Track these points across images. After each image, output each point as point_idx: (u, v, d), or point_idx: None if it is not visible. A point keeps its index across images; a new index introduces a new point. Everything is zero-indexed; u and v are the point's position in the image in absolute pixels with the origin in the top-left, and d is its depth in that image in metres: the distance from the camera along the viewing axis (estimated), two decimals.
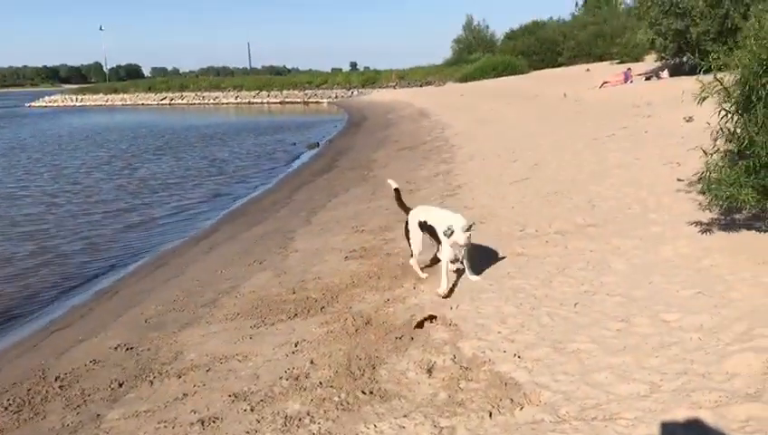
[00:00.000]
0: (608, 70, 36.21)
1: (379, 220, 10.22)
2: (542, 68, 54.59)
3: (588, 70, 41.29)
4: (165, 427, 4.63)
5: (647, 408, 3.83)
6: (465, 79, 57.93)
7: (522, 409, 4.06)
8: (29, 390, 5.71)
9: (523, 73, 53.88)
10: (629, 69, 29.99)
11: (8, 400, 5.55)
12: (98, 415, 5.02)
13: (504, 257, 7.25)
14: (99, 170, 21.69)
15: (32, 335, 7.68)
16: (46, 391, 5.61)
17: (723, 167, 6.03)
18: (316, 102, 69.89)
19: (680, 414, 3.68)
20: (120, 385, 5.53)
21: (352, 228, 10.03)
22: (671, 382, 4.06)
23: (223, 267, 9.17)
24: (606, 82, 28.59)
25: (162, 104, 79.59)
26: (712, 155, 6.25)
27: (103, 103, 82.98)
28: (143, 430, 4.63)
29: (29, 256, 10.99)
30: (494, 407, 4.13)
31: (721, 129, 6.19)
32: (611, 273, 6.16)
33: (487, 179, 12.30)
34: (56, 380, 5.83)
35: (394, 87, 68.80)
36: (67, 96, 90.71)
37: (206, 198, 16.11)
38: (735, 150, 6.11)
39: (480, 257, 7.20)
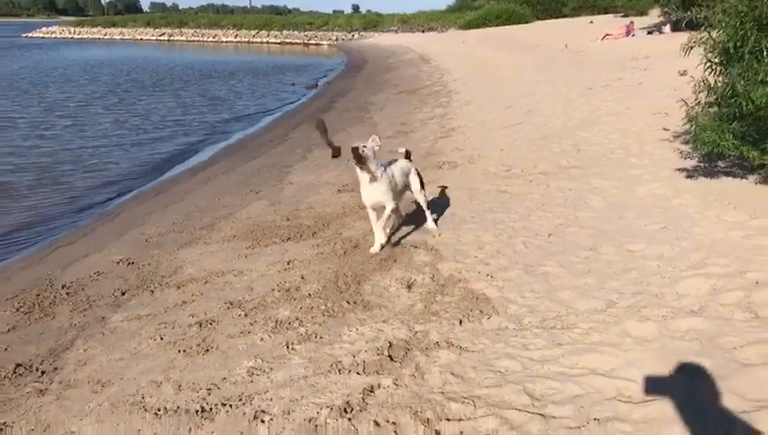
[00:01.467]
0: (611, 23, 35.97)
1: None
2: (545, 18, 54.04)
3: (591, 22, 40.96)
4: (165, 327, 5.05)
5: (601, 320, 4.26)
6: (468, 26, 57.36)
7: (489, 318, 4.50)
8: (38, 295, 6.12)
9: (526, 23, 53.36)
10: (632, 22, 29.89)
11: (19, 302, 5.96)
12: (102, 317, 5.44)
13: (488, 194, 7.61)
14: (97, 104, 21.77)
15: (37, 251, 8.08)
16: (54, 297, 6.02)
17: (708, 114, 6.34)
18: (316, 44, 69.19)
19: (630, 325, 4.11)
20: (123, 293, 5.94)
21: (346, 165, 10.34)
22: (626, 300, 4.49)
23: (220, 196, 9.53)
24: (608, 35, 28.55)
25: (161, 40, 78.68)
26: (693, 107, 6.54)
27: (101, 37, 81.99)
28: (145, 331, 5.05)
29: (30, 184, 11.29)
30: (464, 316, 4.56)
31: (704, 80, 6.46)
32: (587, 209, 6.55)
33: (481, 124, 12.59)
34: (63, 287, 6.24)
35: (396, 32, 68.05)
36: (65, 28, 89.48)
37: (203, 133, 16.35)
38: (716, 101, 6.41)
39: (466, 194, 7.58)
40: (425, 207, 6.51)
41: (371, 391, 3.75)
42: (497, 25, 53.30)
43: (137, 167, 12.69)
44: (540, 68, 20.70)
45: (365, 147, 5.74)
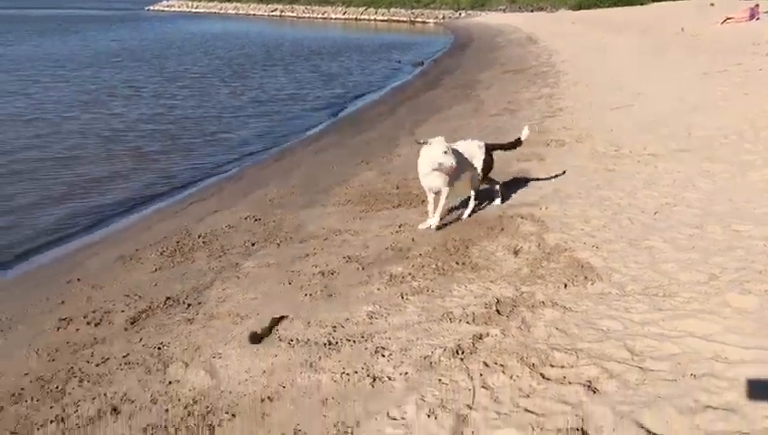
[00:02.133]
0: (734, 5, 34.07)
1: (479, 136, 10.81)
2: (662, 0, 51.71)
3: (712, 4, 38.86)
4: (291, 274, 5.63)
5: (702, 291, 4.46)
6: (578, 6, 55.83)
7: (593, 284, 4.78)
8: (177, 242, 6.88)
9: (642, 4, 51.28)
10: (757, 5, 28.23)
11: (162, 248, 6.73)
12: (236, 263, 6.09)
13: (595, 172, 7.78)
14: (213, 76, 22.93)
15: (172, 205, 8.96)
16: (192, 244, 6.76)
17: None
18: (422, 22, 69.25)
19: (730, 297, 4.29)
20: (252, 244, 6.59)
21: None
22: (729, 275, 4.66)
23: (333, 165, 10.13)
24: (729, 18, 27.15)
25: (272, 16, 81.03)
26: None
27: (216, 11, 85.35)
28: (274, 276, 5.65)
29: (159, 148, 12.29)
30: (569, 281, 4.87)
31: None
32: (695, 190, 6.63)
33: (589, 105, 12.58)
34: (199, 237, 6.98)
35: (504, 11, 67.04)
36: (183, 2, 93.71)
37: (316, 107, 17.07)
38: None
39: (572, 171, 7.79)
40: (472, 192, 6.75)
41: (480, 338, 4.15)
42: (610, 6, 51.52)
43: (255, 136, 13.53)
44: (652, 51, 20.14)
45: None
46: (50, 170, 10.36)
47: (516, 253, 5.54)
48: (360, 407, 3.57)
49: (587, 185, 7.27)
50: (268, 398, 3.77)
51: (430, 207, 6.45)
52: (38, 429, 3.73)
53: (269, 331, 4.53)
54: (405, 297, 4.90)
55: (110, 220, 8.33)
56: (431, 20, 68.83)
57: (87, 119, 14.48)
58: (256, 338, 4.44)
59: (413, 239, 6.18)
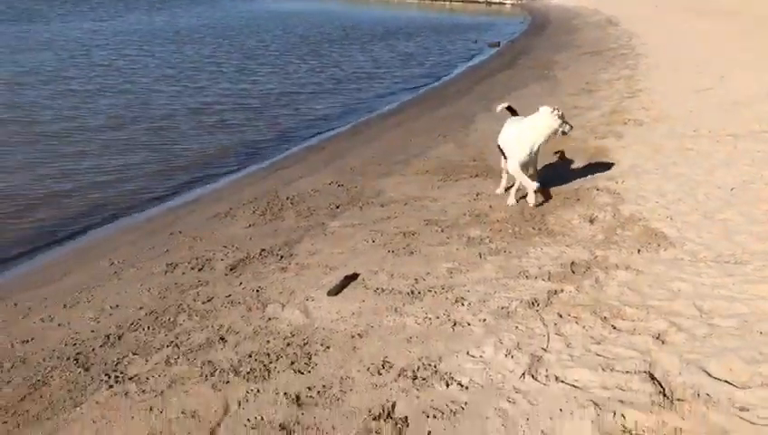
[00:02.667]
0: None
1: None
2: None
3: None
4: (375, 234, 6.02)
5: None
6: None
7: (666, 250, 4.98)
8: (268, 202, 7.37)
9: None
10: None
11: (254, 207, 7.24)
12: (323, 223, 6.53)
13: (672, 151, 7.85)
14: (292, 54, 23.44)
15: (260, 171, 9.50)
16: (281, 205, 7.24)
17: None
18: (500, 3, 68.34)
19: None
20: (337, 207, 7.02)
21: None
22: None
23: (411, 138, 10.46)
24: None
25: None
26: None
27: None
28: (359, 235, 6.05)
29: (243, 120, 12.85)
30: (642, 247, 5.08)
31: None
32: None
33: (670, 86, 12.46)
34: (287, 199, 7.45)
35: None
36: None
37: (393, 84, 17.40)
38: None
39: (650, 149, 7.89)
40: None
41: (555, 294, 4.43)
42: None
43: (334, 110, 13.99)
44: (740, 35, 19.52)
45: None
46: (147, 138, 11.07)
47: (592, 221, 5.76)
48: (441, 345, 3.93)
49: (664, 162, 7.37)
50: (358, 335, 4.17)
51: (526, 182, 6.40)
52: (156, 351, 4.23)
53: (342, 287, 4.89)
54: (483, 257, 5.22)
55: (204, 183, 8.91)
56: (508, 1, 67.87)
57: (174, 92, 15.23)
58: (333, 291, 4.83)
59: (490, 206, 6.47)
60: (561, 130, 5.96)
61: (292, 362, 3.88)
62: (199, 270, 5.55)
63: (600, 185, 6.72)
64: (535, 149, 6.07)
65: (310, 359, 3.92)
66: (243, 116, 13.01)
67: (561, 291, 4.45)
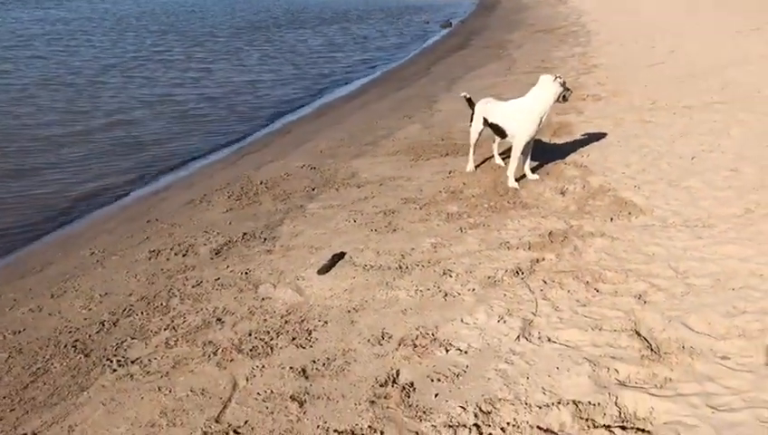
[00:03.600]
0: None
1: (515, 91, 11.17)
2: None
3: None
4: (355, 214, 6.14)
5: (738, 223, 4.91)
6: None
7: (637, 218, 5.24)
8: (242, 187, 7.41)
9: None
10: None
11: (228, 192, 7.28)
12: (301, 205, 6.62)
13: (632, 123, 8.17)
14: (242, 39, 23.22)
15: (228, 156, 9.50)
16: (256, 189, 7.29)
17: None
18: None
19: (765, 227, 4.74)
20: (313, 189, 7.11)
21: (493, 95, 11.07)
22: (764, 209, 5.09)
23: (377, 119, 10.58)
24: None
25: None
26: None
27: None
28: (339, 215, 6.17)
29: (203, 108, 12.78)
30: (614, 215, 5.33)
31: None
32: (730, 138, 7.02)
33: (623, 62, 12.85)
34: (261, 183, 7.50)
35: None
36: None
37: (349, 67, 17.44)
38: None
39: (610, 123, 8.18)
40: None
41: (537, 262, 4.65)
42: None
43: (295, 94, 13.98)
44: (685, 10, 20.15)
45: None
46: (105, 131, 10.89)
47: (563, 193, 6.00)
48: (436, 315, 4.10)
49: (625, 135, 7.67)
50: (354, 309, 4.31)
51: (525, 164, 6.58)
52: (153, 335, 4.30)
53: (331, 265, 5.02)
54: (464, 231, 5.40)
55: (173, 172, 8.88)
56: None
57: (122, 83, 14.95)
58: (323, 270, 4.95)
59: (464, 183, 6.65)
60: (563, 96, 6.08)
61: (293, 338, 4.00)
62: (183, 255, 5.59)
63: (567, 159, 6.97)
64: (544, 120, 6.20)
65: (310, 334, 4.05)
66: (201, 105, 12.92)
67: (543, 259, 4.66)
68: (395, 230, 5.60)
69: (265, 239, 5.74)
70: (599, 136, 7.67)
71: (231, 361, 3.85)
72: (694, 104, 8.67)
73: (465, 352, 3.63)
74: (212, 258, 5.45)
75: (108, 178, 8.50)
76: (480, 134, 6.79)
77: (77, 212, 7.45)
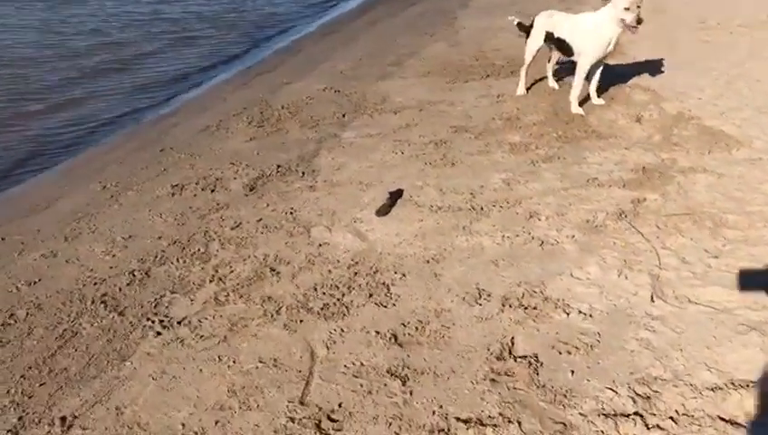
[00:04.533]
0: None
1: (539, 6, 10.26)
2: None
3: None
4: (400, 144, 5.42)
5: None
6: None
7: (737, 150, 4.59)
8: (261, 112, 6.61)
9: None
10: None
11: (247, 117, 6.48)
12: (335, 134, 5.86)
13: (689, 45, 7.41)
14: None
15: (238, 77, 8.60)
16: (278, 115, 6.49)
17: None
18: None
19: None
20: (343, 115, 6.33)
21: (517, 12, 10.16)
22: None
23: (395, 37, 9.68)
24: None
25: None
26: None
27: None
28: (383, 146, 5.44)
29: (202, 28, 11.65)
30: (710, 147, 4.67)
31: None
32: None
33: None
34: (282, 108, 6.70)
35: None
36: None
37: None
38: None
39: (664, 44, 7.41)
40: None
41: (640, 202, 4.00)
42: None
43: (295, 10, 12.88)
44: None
45: None
46: (91, 54, 9.83)
47: (639, 121, 5.33)
48: (536, 268, 3.47)
49: (685, 57, 6.95)
50: (433, 259, 3.66)
51: (592, 88, 5.86)
52: (197, 288, 3.63)
53: (390, 205, 4.34)
54: (536, 164, 4.73)
55: (179, 96, 8.00)
56: None
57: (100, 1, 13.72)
58: (382, 211, 4.27)
59: (518, 108, 5.93)
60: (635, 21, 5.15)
61: (370, 295, 3.36)
62: (212, 191, 4.87)
63: (630, 82, 6.26)
64: (614, 43, 5.38)
65: (388, 290, 3.40)
66: (195, 23, 11.79)
67: (644, 199, 4.03)
68: (453, 164, 4.90)
69: (303, 173, 5.01)
70: (656, 57, 6.92)
71: (300, 322, 3.20)
72: (749, 23, 7.90)
73: (590, 316, 3.02)
74: (246, 195, 4.74)
75: (104, 103, 7.62)
76: (538, 52, 5.99)
77: (77, 140, 6.60)
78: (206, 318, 3.34)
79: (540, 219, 3.91)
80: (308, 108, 6.63)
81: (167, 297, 3.56)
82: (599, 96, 5.83)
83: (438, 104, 6.33)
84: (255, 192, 4.78)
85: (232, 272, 3.74)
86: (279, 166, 5.18)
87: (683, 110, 5.37)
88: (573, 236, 3.68)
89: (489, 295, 3.25)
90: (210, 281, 3.67)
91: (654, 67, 6.63)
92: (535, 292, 3.24)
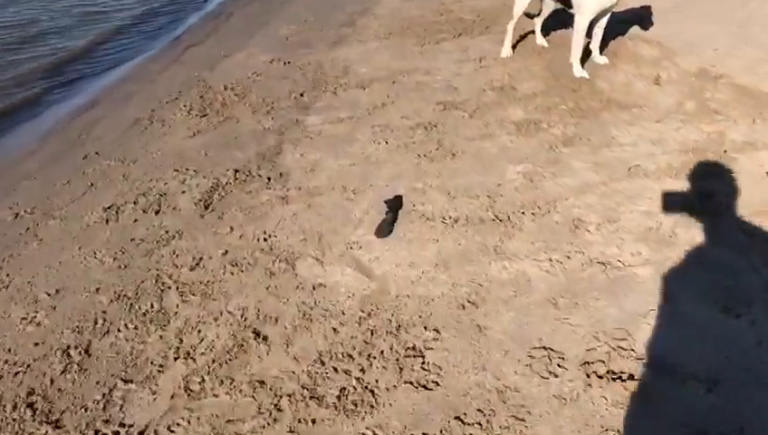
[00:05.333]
0: None
1: None
2: None
3: None
4: (380, 129, 4.51)
5: None
6: None
7: None
8: (201, 96, 5.53)
9: None
10: None
11: (185, 104, 5.39)
12: (296, 120, 4.87)
13: None
14: None
15: (166, 51, 7.37)
16: (222, 99, 5.43)
17: None
18: None
19: None
20: (301, 95, 5.33)
21: None
22: None
23: None
24: None
25: None
26: None
27: None
28: (360, 134, 4.50)
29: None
30: (758, 113, 3.91)
31: None
32: None
33: None
34: (226, 89, 5.62)
35: None
36: None
37: None
38: None
39: None
40: None
41: (708, 198, 3.20)
42: None
43: None
44: None
45: None
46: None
47: (658, 83, 4.52)
48: (611, 308, 2.64)
49: (677, 1, 6.14)
50: (469, 302, 2.78)
51: (594, 42, 5.01)
52: (159, 370, 2.67)
53: (393, 220, 3.43)
54: (556, 149, 3.88)
55: (94, 78, 6.73)
56: None
57: None
58: (384, 230, 3.35)
59: (508, 75, 5.04)
60: None
61: (400, 369, 2.47)
62: (156, 213, 3.84)
63: (629, 33, 5.44)
64: None
65: (423, 358, 2.53)
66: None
67: (712, 193, 3.27)
68: (454, 154, 4.00)
69: (270, 179, 4.03)
70: (647, 2, 6.09)
71: (313, 422, 2.31)
72: None
73: (712, 388, 2.19)
74: (202, 215, 3.73)
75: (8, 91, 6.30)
76: (527, 5, 5.07)
77: None
78: (179, 424, 2.38)
79: (588, 230, 3.08)
80: (257, 87, 5.57)
81: (118, 391, 2.58)
82: (600, 53, 4.98)
83: (413, 74, 5.37)
84: (213, 210, 3.78)
85: (202, 341, 2.78)
86: (236, 170, 4.18)
87: (704, 65, 4.59)
88: (641, 254, 2.86)
89: (562, 358, 2.41)
90: (175, 358, 2.70)
91: (650, 13, 5.81)
92: (623, 348, 2.41)
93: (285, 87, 5.48)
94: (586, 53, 4.98)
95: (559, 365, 2.38)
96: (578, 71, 4.76)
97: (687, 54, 4.86)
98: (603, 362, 2.37)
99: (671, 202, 3.13)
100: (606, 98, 4.40)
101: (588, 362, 2.38)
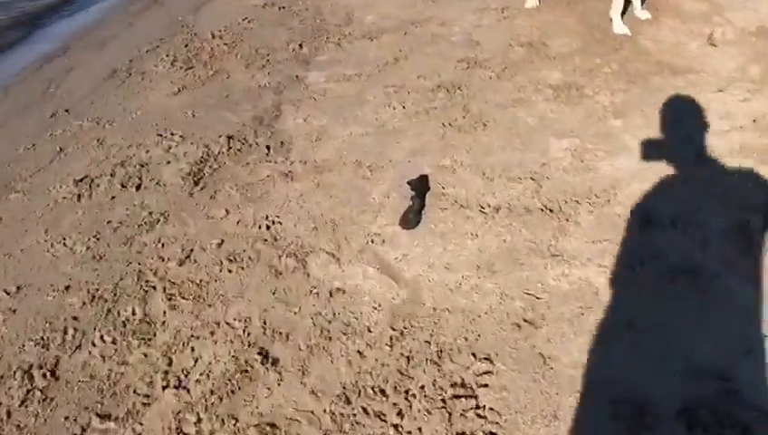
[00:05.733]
0: None
1: None
2: None
3: None
4: (394, 90, 3.91)
5: None
6: None
7: None
8: (186, 45, 4.88)
9: None
10: None
11: (167, 53, 4.76)
12: (296, 76, 4.26)
13: None
14: None
15: None
16: (211, 49, 4.78)
17: None
18: None
19: None
20: (300, 46, 4.70)
21: None
22: None
23: None
24: None
25: None
26: None
27: None
28: (371, 95, 3.92)
29: None
30: None
31: None
32: None
33: None
34: (214, 37, 4.97)
35: None
36: None
37: None
38: None
39: None
40: None
41: None
42: None
43: None
44: None
45: None
46: None
47: (712, 43, 3.93)
48: (706, 337, 2.15)
49: None
50: (526, 321, 2.27)
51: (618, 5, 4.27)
52: (144, 402, 2.16)
53: (420, 208, 2.87)
54: (603, 120, 3.32)
55: (61, 20, 5.98)
56: None
57: None
58: (412, 221, 2.79)
59: (537, 29, 4.43)
60: None
61: (449, 415, 1.95)
62: (137, 189, 3.25)
63: None
64: None
65: (476, 400, 2.02)
66: None
67: None
68: (485, 124, 3.43)
69: (269, 149, 3.45)
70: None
71: None
72: None
73: None
74: (191, 193, 3.16)
75: None
76: None
77: None
78: None
79: (663, 228, 2.54)
80: (249, 35, 4.92)
81: (93, 432, 2.05)
82: (642, 5, 4.38)
83: (426, 24, 4.74)
84: (204, 187, 3.20)
85: (197, 363, 2.25)
86: (230, 137, 3.59)
87: (763, 23, 4.00)
88: (735, 264, 2.33)
89: (657, 412, 1.89)
90: (164, 386, 2.18)
91: None
92: (735, 399, 1.90)
93: (281, 36, 4.83)
94: (625, 7, 4.37)
95: (655, 421, 1.87)
96: (618, 26, 4.16)
97: (741, 9, 4.28)
98: (714, 413, 1.87)
99: (757, 193, 2.62)
100: (654, 60, 3.83)
101: (693, 418, 1.88)
